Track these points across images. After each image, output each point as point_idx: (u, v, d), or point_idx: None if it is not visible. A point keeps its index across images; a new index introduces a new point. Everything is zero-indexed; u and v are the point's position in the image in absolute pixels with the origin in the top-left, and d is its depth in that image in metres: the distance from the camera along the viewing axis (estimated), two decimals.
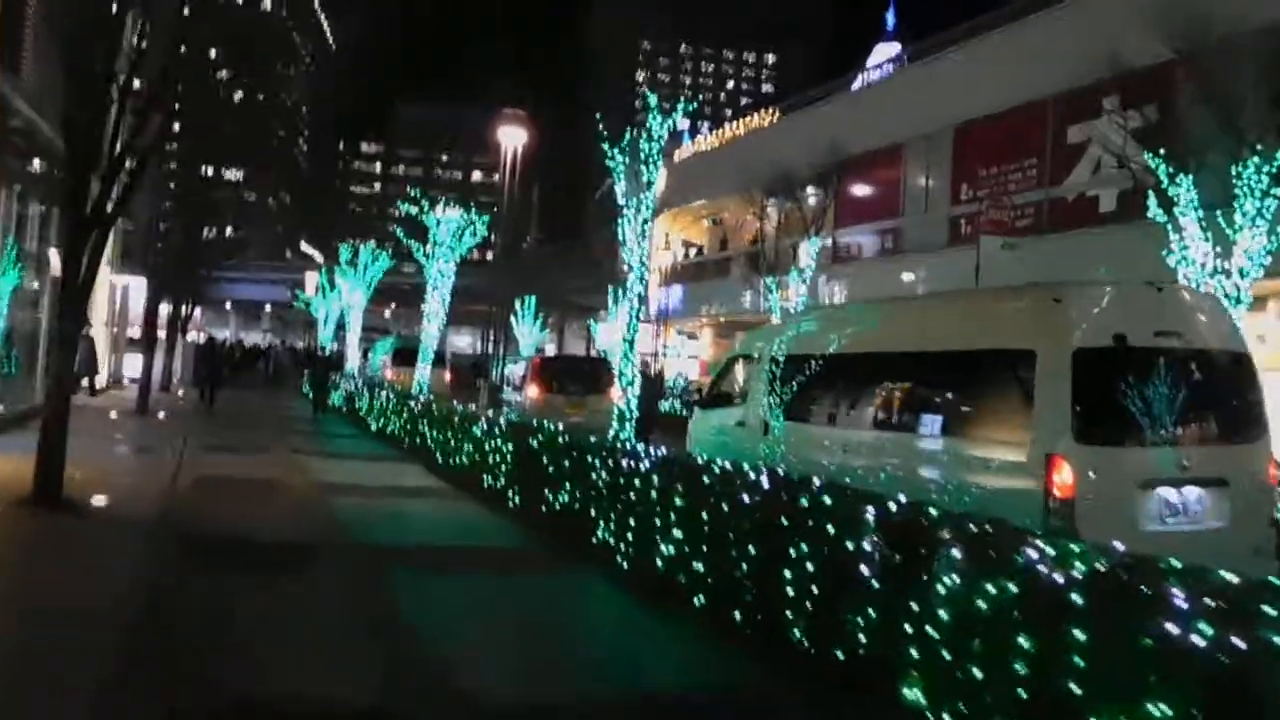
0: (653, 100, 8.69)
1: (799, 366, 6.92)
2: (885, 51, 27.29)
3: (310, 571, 6.10)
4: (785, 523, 4.67)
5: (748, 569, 4.93)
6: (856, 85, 26.14)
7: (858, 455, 6.16)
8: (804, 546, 4.49)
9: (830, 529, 4.36)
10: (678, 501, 5.81)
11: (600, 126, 8.83)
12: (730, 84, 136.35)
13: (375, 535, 7.46)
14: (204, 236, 24.32)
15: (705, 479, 5.44)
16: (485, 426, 10.07)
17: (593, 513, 6.97)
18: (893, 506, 4.12)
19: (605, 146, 8.63)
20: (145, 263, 22.09)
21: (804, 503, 4.58)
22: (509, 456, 9.11)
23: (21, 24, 14.23)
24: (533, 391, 13.32)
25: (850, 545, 4.19)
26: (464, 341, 58.69)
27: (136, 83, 7.74)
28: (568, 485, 7.56)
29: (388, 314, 59.46)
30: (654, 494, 6.12)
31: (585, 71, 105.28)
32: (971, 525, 3.69)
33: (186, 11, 7.84)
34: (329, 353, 19.35)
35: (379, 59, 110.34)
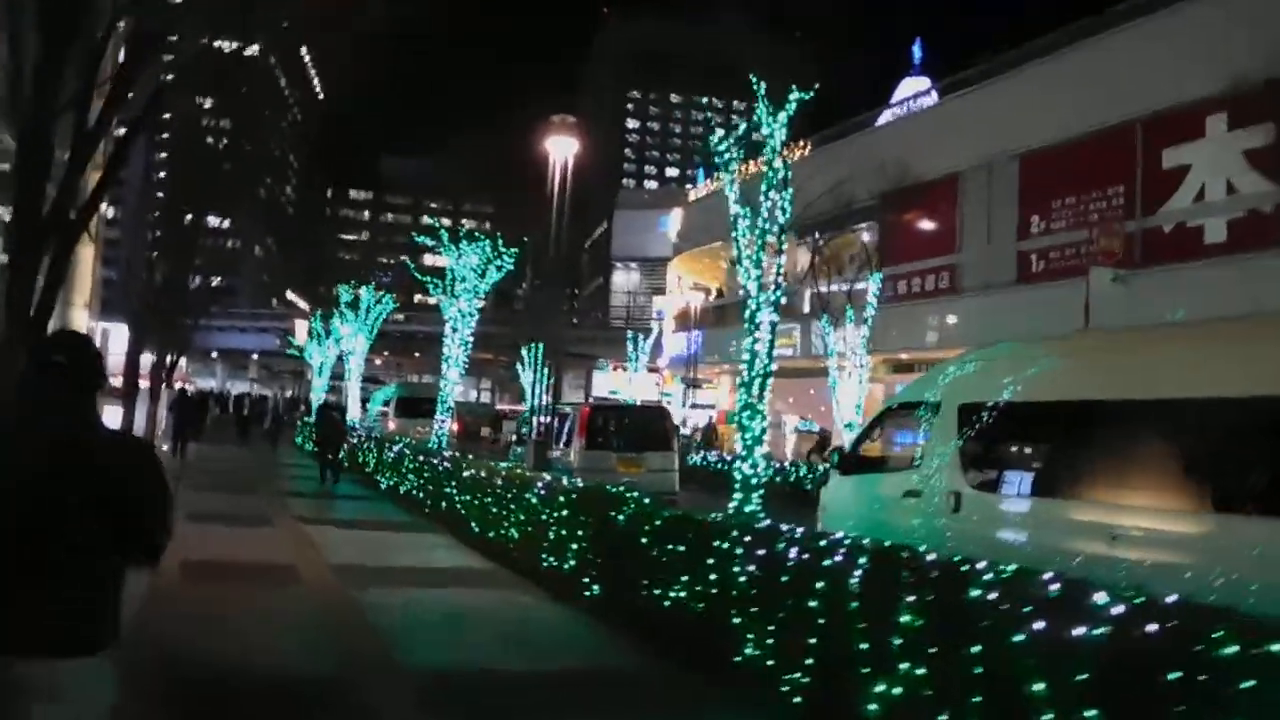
0: (760, 89, 7.01)
1: (1019, 418, 5.10)
2: (913, 85, 26.08)
3: None
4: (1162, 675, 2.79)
5: None
6: (883, 120, 24.89)
7: (1143, 547, 4.29)
8: None
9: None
10: (905, 619, 3.92)
11: (707, 114, 7.16)
12: (721, 131, 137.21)
13: (432, 656, 5.46)
14: (189, 284, 22.77)
15: (987, 592, 3.52)
16: (544, 493, 8.13)
17: (734, 618, 5.04)
18: None
19: (712, 141, 6.95)
20: (126, 309, 20.29)
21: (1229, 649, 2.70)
22: (583, 533, 7.19)
23: None
24: (581, 445, 11.41)
25: None
26: (456, 391, 56.56)
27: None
28: (684, 577, 5.64)
29: (379, 362, 57.46)
30: (853, 604, 4.23)
31: (575, 120, 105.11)
32: None
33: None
34: (336, 403, 16.87)
35: (367, 108, 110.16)
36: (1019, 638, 3.28)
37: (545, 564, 7.87)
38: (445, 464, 11.57)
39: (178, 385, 34.18)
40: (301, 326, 35.40)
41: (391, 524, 11.38)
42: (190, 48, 7.60)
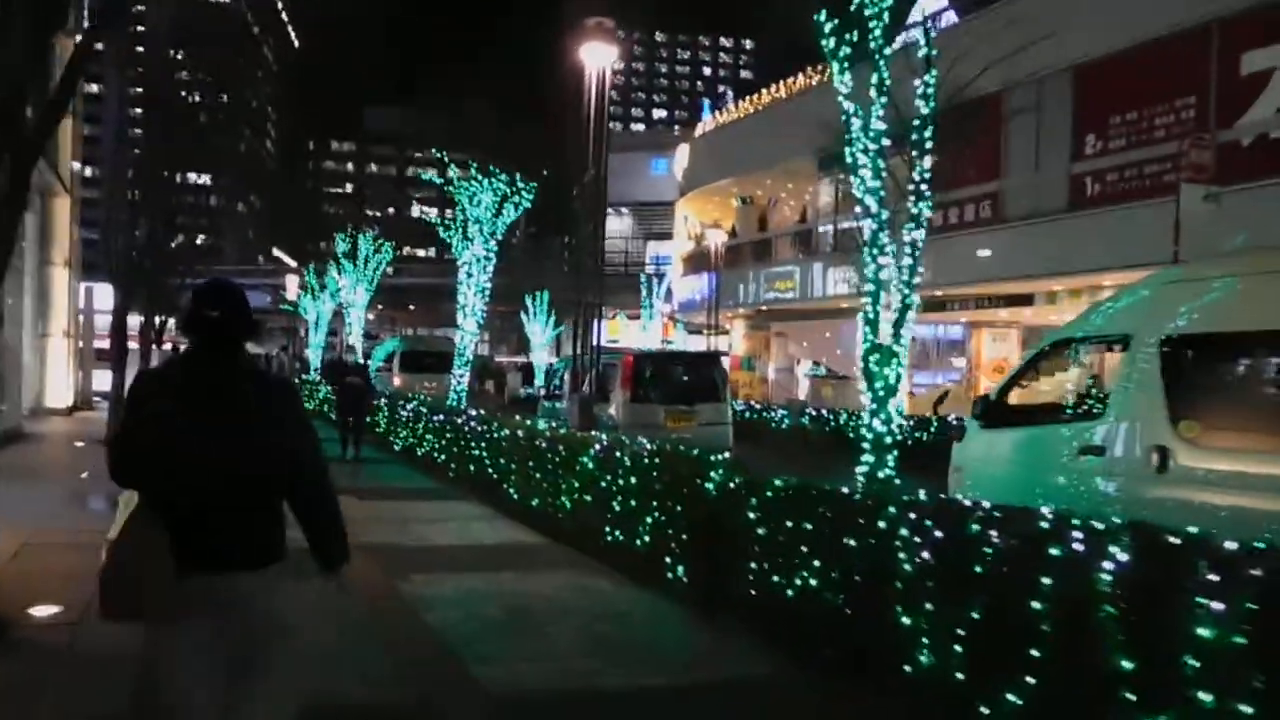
0: None
1: (1257, 353, 3.97)
2: (930, 5, 24.36)
3: None
4: None
5: None
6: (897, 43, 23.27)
7: None
8: None
9: None
10: (1206, 633, 2.82)
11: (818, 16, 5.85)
12: (708, 70, 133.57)
13: (516, 670, 4.35)
14: (172, 243, 21.48)
15: None
16: (602, 456, 7.03)
17: (902, 617, 3.97)
18: None
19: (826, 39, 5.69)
20: (109, 267, 18.93)
21: None
22: (659, 504, 6.10)
23: None
24: (625, 398, 10.25)
25: None
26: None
27: None
28: (815, 562, 4.56)
29: (371, 316, 55.99)
30: (1106, 609, 3.14)
31: (557, 69, 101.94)
32: None
33: None
34: (355, 362, 14.64)
35: (345, 57, 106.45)
36: None
37: (610, 539, 6.81)
38: (473, 423, 10.45)
39: (168, 346, 32.94)
40: (293, 282, 33.96)
41: (416, 492, 10.30)
42: None
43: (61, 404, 18.86)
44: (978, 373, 23.20)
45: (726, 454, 5.88)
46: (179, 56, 20.56)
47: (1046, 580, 3.34)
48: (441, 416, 11.76)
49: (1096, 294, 17.59)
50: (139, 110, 25.92)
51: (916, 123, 6.05)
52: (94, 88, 35.09)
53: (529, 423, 9.33)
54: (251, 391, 2.44)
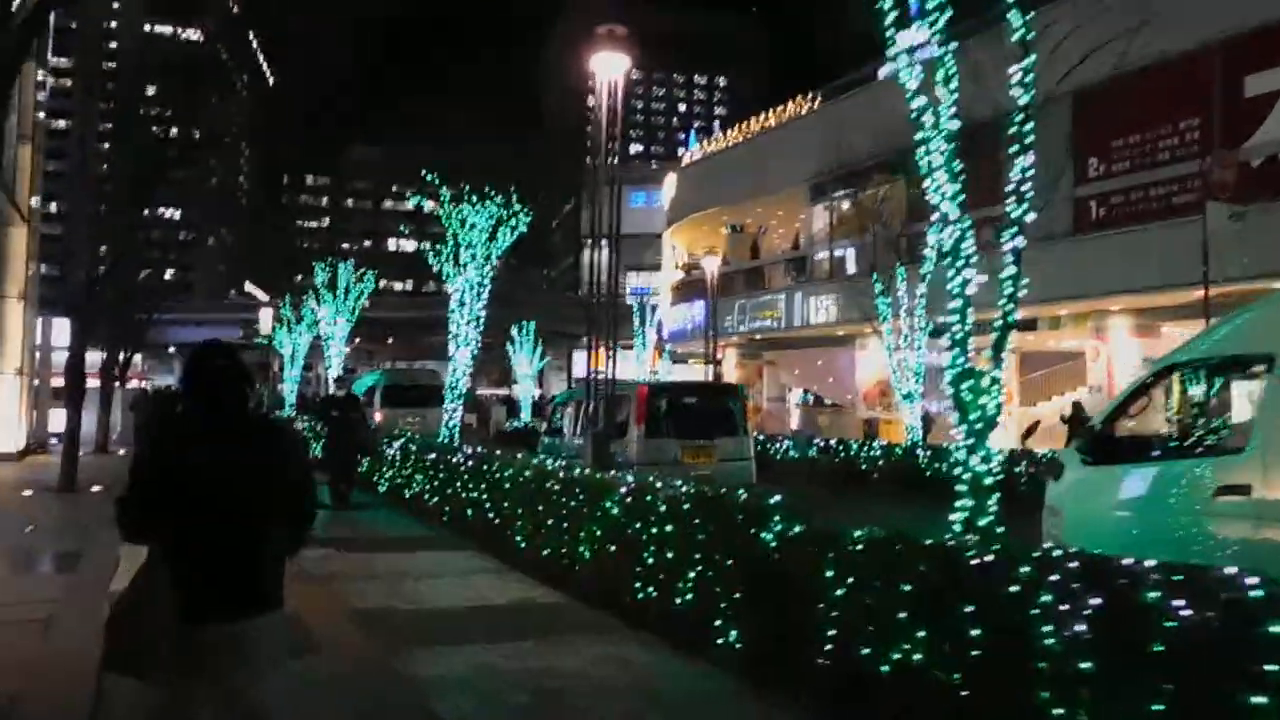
0: None
1: None
2: (912, 37, 24.26)
3: None
4: None
5: None
6: (884, 73, 23.12)
7: None
8: None
9: None
10: None
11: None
12: (683, 107, 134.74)
13: None
14: (138, 276, 20.57)
15: None
16: (630, 501, 6.23)
17: (1054, 708, 3.19)
18: None
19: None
20: (66, 300, 17.92)
21: None
22: (703, 556, 5.31)
23: None
24: (640, 433, 9.42)
25: None
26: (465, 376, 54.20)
27: None
28: (919, 632, 3.79)
29: (348, 349, 54.77)
30: None
31: (535, 104, 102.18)
32: None
33: None
34: (339, 395, 12.79)
35: (321, 96, 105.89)
36: None
37: (639, 595, 5.98)
38: (470, 462, 9.59)
39: (136, 384, 31.64)
40: (267, 315, 32.89)
41: (408, 541, 9.38)
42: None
43: (13, 447, 17.65)
44: None
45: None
46: (149, 91, 19.93)
47: (1272, 667, 2.61)
48: (433, 454, 10.88)
49: (1103, 319, 17.22)
50: (106, 145, 25.23)
51: (1016, 115, 5.41)
52: (61, 123, 34.20)
53: (535, 460, 8.50)
54: (256, 439, 2.57)
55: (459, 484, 9.80)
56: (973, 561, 3.59)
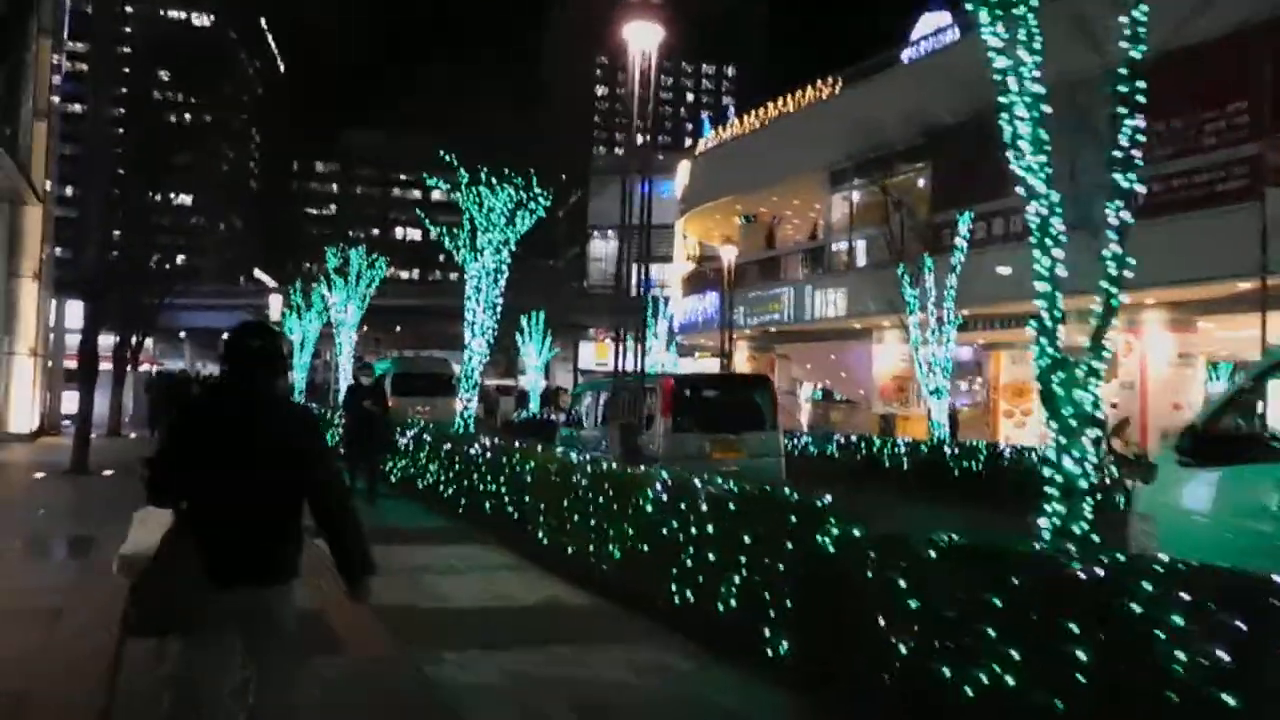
0: None
1: None
2: (933, 21, 23.69)
3: None
4: None
5: None
6: (907, 56, 22.58)
7: None
8: None
9: None
10: None
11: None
12: (690, 96, 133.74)
13: None
14: (151, 264, 20.34)
15: None
16: (666, 499, 5.83)
17: None
18: None
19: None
20: (79, 279, 17.61)
21: None
22: (750, 559, 4.92)
23: None
24: (666, 426, 8.99)
25: None
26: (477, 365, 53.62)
27: None
28: (1012, 651, 3.39)
29: (355, 338, 54.44)
30: None
31: (541, 89, 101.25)
32: None
33: None
34: (364, 383, 11.50)
35: (330, 82, 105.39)
36: None
37: (676, 598, 5.60)
38: (488, 454, 9.21)
39: (149, 368, 31.40)
40: (276, 301, 32.59)
41: (424, 533, 9.02)
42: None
43: (25, 428, 17.40)
44: (996, 395, 22.25)
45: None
46: (163, 75, 19.68)
47: None
48: (449, 445, 10.51)
49: (1137, 312, 16.70)
50: (121, 130, 25.01)
51: (1123, 71, 4.95)
52: (77, 107, 33.88)
53: (558, 453, 8.11)
54: (275, 420, 2.71)
55: (476, 475, 9.43)
56: (1081, 574, 3.18)
